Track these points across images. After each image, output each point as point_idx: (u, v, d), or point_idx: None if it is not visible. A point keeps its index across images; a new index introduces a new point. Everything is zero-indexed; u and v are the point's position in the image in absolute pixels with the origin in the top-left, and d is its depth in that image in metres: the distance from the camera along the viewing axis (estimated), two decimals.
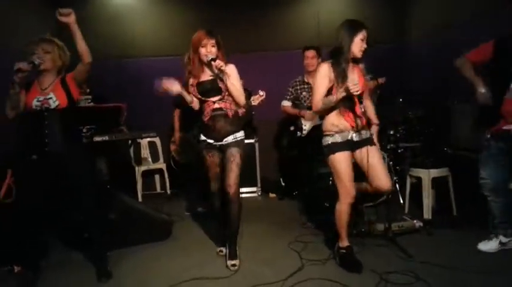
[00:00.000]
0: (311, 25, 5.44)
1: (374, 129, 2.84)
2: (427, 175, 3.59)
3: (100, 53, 5.12)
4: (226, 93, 2.75)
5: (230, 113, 2.79)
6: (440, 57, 4.56)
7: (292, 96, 4.21)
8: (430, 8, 4.95)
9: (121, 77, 5.13)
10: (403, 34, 5.46)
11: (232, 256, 2.86)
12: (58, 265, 2.99)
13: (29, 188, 2.66)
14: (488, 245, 2.83)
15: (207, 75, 2.78)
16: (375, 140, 2.78)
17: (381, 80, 4.30)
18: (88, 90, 4.22)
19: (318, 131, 4.06)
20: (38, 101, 2.58)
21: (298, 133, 4.17)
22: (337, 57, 2.58)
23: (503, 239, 2.81)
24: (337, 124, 2.61)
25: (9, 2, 4.20)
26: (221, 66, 2.62)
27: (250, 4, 5.33)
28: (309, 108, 4.10)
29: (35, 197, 2.62)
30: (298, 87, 4.18)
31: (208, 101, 2.77)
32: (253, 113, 4.23)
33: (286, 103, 4.24)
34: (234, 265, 2.80)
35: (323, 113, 2.68)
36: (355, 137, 2.62)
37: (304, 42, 5.44)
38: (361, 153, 2.64)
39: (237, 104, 2.80)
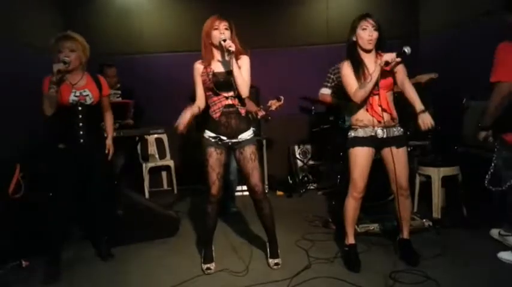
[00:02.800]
0: (320, 21, 5.40)
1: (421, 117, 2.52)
2: (436, 174, 3.54)
3: (108, 49, 5.18)
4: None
5: (243, 111, 2.67)
6: (451, 53, 4.50)
7: (333, 84, 3.86)
8: (440, 4, 4.88)
9: (129, 73, 5.11)
10: (414, 30, 5.39)
11: (274, 254, 2.80)
12: (64, 262, 2.98)
13: (65, 178, 2.79)
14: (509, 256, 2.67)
15: (220, 66, 2.64)
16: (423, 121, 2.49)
17: (434, 75, 3.77)
18: (119, 85, 4.25)
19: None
20: (75, 96, 2.76)
21: (340, 122, 3.83)
22: (350, 54, 2.63)
23: None
24: (361, 119, 2.61)
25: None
26: (230, 46, 2.44)
27: (258, 0, 5.30)
28: None
29: (71, 186, 2.80)
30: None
31: (220, 95, 2.62)
32: (269, 118, 3.96)
33: (326, 91, 3.88)
34: (277, 264, 2.75)
35: (361, 103, 2.60)
36: (380, 133, 2.59)
37: (313, 38, 5.42)
38: (388, 152, 2.63)
39: (239, 94, 2.61)
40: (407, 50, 2.46)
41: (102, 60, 4.42)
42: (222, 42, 2.49)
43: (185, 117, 2.61)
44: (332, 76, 3.90)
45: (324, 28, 5.37)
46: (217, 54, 2.65)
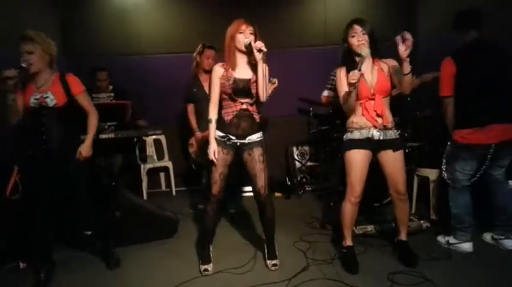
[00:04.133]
0: (318, 23, 5.40)
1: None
2: (434, 175, 3.55)
3: (106, 50, 5.18)
4: (258, 97, 2.61)
5: (257, 117, 2.67)
6: (448, 54, 4.50)
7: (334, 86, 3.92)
8: (439, 4, 4.89)
9: (127, 74, 5.12)
10: (412, 31, 5.37)
11: (272, 255, 2.80)
12: (62, 263, 2.98)
13: (31, 184, 2.69)
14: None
15: (241, 72, 2.61)
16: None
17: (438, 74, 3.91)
18: (111, 87, 4.25)
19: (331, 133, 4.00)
20: (35, 99, 2.59)
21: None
22: (344, 60, 2.65)
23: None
24: (357, 121, 2.62)
25: (16, 1, 4.21)
26: (261, 46, 2.44)
27: (256, 1, 5.30)
28: None
29: (37, 192, 2.66)
30: None
31: (237, 101, 2.60)
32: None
33: (327, 94, 3.91)
34: (275, 265, 2.75)
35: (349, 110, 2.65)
36: (376, 135, 2.59)
37: (311, 40, 5.40)
38: (384, 156, 2.64)
39: (258, 99, 2.61)
40: (364, 53, 2.50)
41: (100, 61, 4.43)
42: (253, 43, 2.48)
43: (213, 145, 2.63)
44: (335, 78, 3.87)
45: (322, 29, 5.38)
46: (240, 59, 2.62)
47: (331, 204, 3.92)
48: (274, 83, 3.70)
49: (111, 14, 5.27)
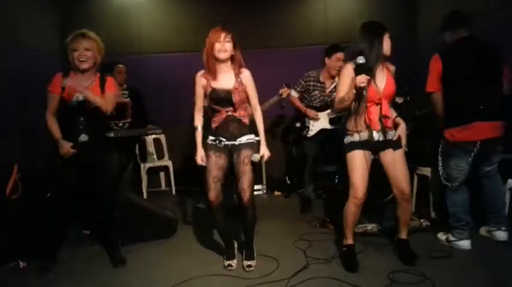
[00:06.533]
0: (319, 22, 5.40)
1: (401, 129, 2.66)
2: (434, 174, 3.54)
3: (106, 50, 5.16)
4: (241, 104, 2.65)
5: (246, 120, 2.69)
6: None
7: (302, 89, 4.03)
8: (439, 4, 4.89)
9: (127, 74, 5.12)
10: (412, 30, 5.39)
11: (249, 256, 2.80)
12: (62, 262, 2.98)
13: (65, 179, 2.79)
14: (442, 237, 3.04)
15: (221, 81, 2.62)
16: (403, 141, 2.65)
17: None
18: (125, 85, 4.25)
19: (325, 135, 4.05)
20: (78, 100, 2.70)
21: (304, 132, 4.08)
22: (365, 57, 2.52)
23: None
24: (360, 124, 2.58)
25: (16, 1, 4.22)
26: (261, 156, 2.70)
27: (257, 0, 5.30)
28: (318, 109, 4.02)
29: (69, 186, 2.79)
30: (310, 83, 4.00)
31: (221, 111, 2.65)
32: (283, 104, 4.15)
33: (295, 94, 4.06)
34: (249, 266, 2.74)
35: (346, 111, 2.64)
36: (376, 136, 2.58)
37: (312, 39, 5.40)
38: (385, 156, 2.63)
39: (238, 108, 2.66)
40: (360, 60, 2.45)
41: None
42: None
43: (201, 152, 2.69)
44: (302, 82, 4.04)
45: (322, 29, 5.38)
46: (219, 68, 2.62)
47: (331, 203, 3.92)
48: (290, 87, 3.93)
49: (112, 14, 5.27)
